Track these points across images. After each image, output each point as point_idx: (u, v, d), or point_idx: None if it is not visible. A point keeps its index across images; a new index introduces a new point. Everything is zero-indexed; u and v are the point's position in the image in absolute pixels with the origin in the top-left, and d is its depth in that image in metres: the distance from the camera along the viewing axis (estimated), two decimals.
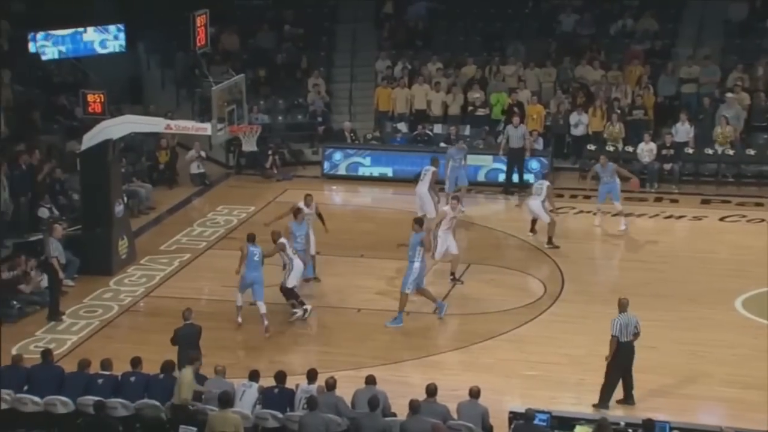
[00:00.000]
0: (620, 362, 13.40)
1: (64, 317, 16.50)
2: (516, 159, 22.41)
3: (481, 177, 22.94)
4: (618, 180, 19.86)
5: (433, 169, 19.87)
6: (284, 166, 24.10)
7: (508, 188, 22.58)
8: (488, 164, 22.93)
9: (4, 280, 16.81)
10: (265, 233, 16.51)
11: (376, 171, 23.54)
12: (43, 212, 19.05)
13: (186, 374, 12.45)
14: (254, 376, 12.66)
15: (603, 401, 13.44)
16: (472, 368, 14.80)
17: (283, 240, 16.28)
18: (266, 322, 15.87)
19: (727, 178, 22.87)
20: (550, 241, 19.03)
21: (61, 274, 16.50)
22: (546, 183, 19.38)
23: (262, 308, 15.92)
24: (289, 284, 16.23)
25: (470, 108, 24.59)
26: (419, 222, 16.34)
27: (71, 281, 17.63)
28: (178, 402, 12.25)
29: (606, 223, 20.21)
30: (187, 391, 12.27)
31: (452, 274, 17.54)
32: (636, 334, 13.45)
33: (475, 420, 11.92)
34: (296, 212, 16.80)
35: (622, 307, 13.52)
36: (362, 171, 23.58)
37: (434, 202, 19.54)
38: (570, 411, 12.84)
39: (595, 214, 20.29)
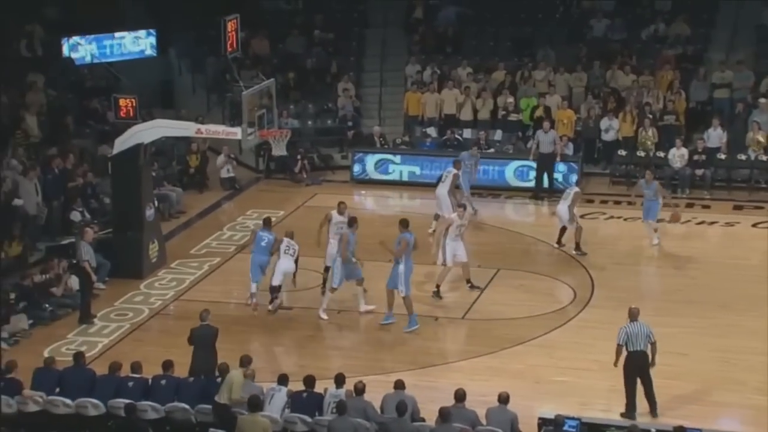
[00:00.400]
0: (630, 371, 13.22)
1: (95, 320, 16.62)
2: (546, 164, 22.32)
3: (510, 176, 22.87)
4: (660, 200, 19.33)
5: (454, 171, 19.89)
6: (314, 170, 24.15)
7: (537, 193, 22.50)
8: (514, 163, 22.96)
9: (36, 283, 16.95)
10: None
11: (405, 170, 23.52)
12: (75, 216, 19.21)
13: (239, 375, 12.46)
14: (283, 380, 12.69)
15: (628, 410, 13.29)
16: (501, 374, 14.74)
17: (280, 237, 16.67)
18: (254, 300, 16.61)
19: (760, 184, 22.65)
20: (578, 248, 18.92)
21: (93, 277, 16.63)
22: (575, 189, 19.23)
23: (253, 288, 16.60)
24: (274, 282, 16.51)
25: (502, 113, 24.53)
26: (404, 224, 16.33)
27: (102, 284, 17.73)
28: (226, 401, 12.23)
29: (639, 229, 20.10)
30: (238, 391, 12.29)
31: (468, 281, 17.42)
32: (653, 344, 13.20)
33: (504, 426, 11.88)
34: (351, 222, 16.69)
35: (632, 315, 13.35)
36: (392, 169, 23.57)
37: (452, 204, 19.45)
38: (600, 417, 12.79)
39: (656, 230, 19.39)
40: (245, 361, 12.80)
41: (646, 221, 19.52)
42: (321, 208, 22.13)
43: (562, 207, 19.03)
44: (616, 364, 13.36)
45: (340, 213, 17.19)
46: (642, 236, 20.13)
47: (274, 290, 16.63)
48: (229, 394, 12.31)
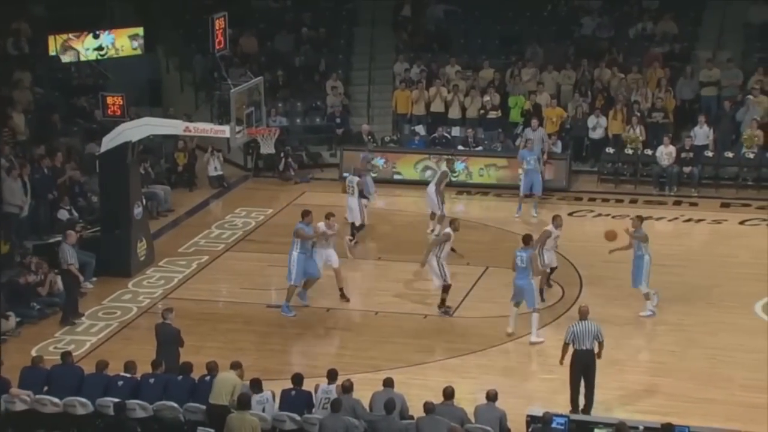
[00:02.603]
0: (576, 369, 13.22)
1: (83, 318, 16.56)
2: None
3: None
4: (646, 255, 16.32)
5: (444, 169, 19.81)
6: (302, 168, 24.15)
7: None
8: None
9: (21, 284, 16.83)
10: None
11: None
12: (63, 214, 19.13)
13: (236, 377, 12.44)
14: (256, 385, 12.49)
15: (573, 408, 13.25)
16: (489, 371, 14.78)
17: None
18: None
19: (747, 181, 22.73)
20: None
21: (80, 278, 16.53)
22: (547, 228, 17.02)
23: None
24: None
25: (481, 111, 24.52)
26: (526, 240, 15.72)
27: (90, 283, 17.73)
28: (227, 402, 12.19)
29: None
30: (238, 393, 12.25)
31: (341, 290, 17.04)
32: (600, 343, 13.22)
33: (492, 423, 11.90)
34: (526, 240, 15.94)
35: (582, 314, 13.37)
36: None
37: (438, 203, 19.29)
38: (587, 414, 12.81)
39: (647, 296, 16.53)
40: (236, 365, 12.75)
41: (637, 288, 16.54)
42: (309, 206, 22.15)
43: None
44: (561, 362, 13.39)
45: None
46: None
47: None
48: (231, 396, 12.24)
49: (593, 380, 13.28)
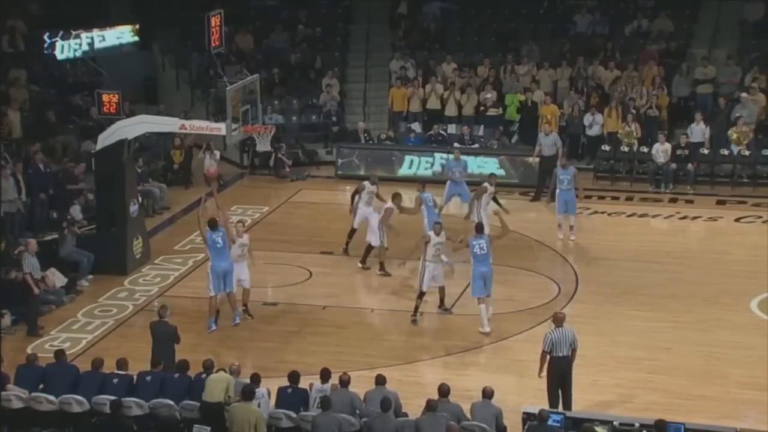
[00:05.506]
0: (554, 376, 13.10)
1: (80, 315, 16.52)
2: (548, 167, 21.60)
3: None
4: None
5: (485, 185, 18.94)
6: (297, 166, 24.14)
7: (538, 196, 22.10)
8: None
9: (16, 281, 16.77)
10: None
11: None
12: (75, 210, 19.09)
13: (228, 376, 12.45)
14: (255, 380, 12.48)
15: None
16: (486, 369, 14.80)
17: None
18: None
19: (743, 179, 22.77)
20: (382, 268, 17.77)
21: (35, 291, 16.22)
22: (388, 204, 17.75)
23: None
24: None
25: (481, 108, 24.53)
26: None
27: (86, 281, 17.71)
28: (221, 400, 12.22)
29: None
30: (232, 390, 12.26)
31: (245, 306, 16.45)
32: (573, 350, 13.10)
33: (488, 420, 11.90)
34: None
35: (558, 321, 13.23)
36: None
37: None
38: (584, 412, 12.82)
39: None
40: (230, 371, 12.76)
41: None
42: (305, 203, 22.21)
43: (374, 217, 17.66)
44: (540, 373, 13.21)
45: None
46: (626, 231, 20.22)
47: None
48: (225, 394, 12.25)
49: (570, 386, 13.14)
